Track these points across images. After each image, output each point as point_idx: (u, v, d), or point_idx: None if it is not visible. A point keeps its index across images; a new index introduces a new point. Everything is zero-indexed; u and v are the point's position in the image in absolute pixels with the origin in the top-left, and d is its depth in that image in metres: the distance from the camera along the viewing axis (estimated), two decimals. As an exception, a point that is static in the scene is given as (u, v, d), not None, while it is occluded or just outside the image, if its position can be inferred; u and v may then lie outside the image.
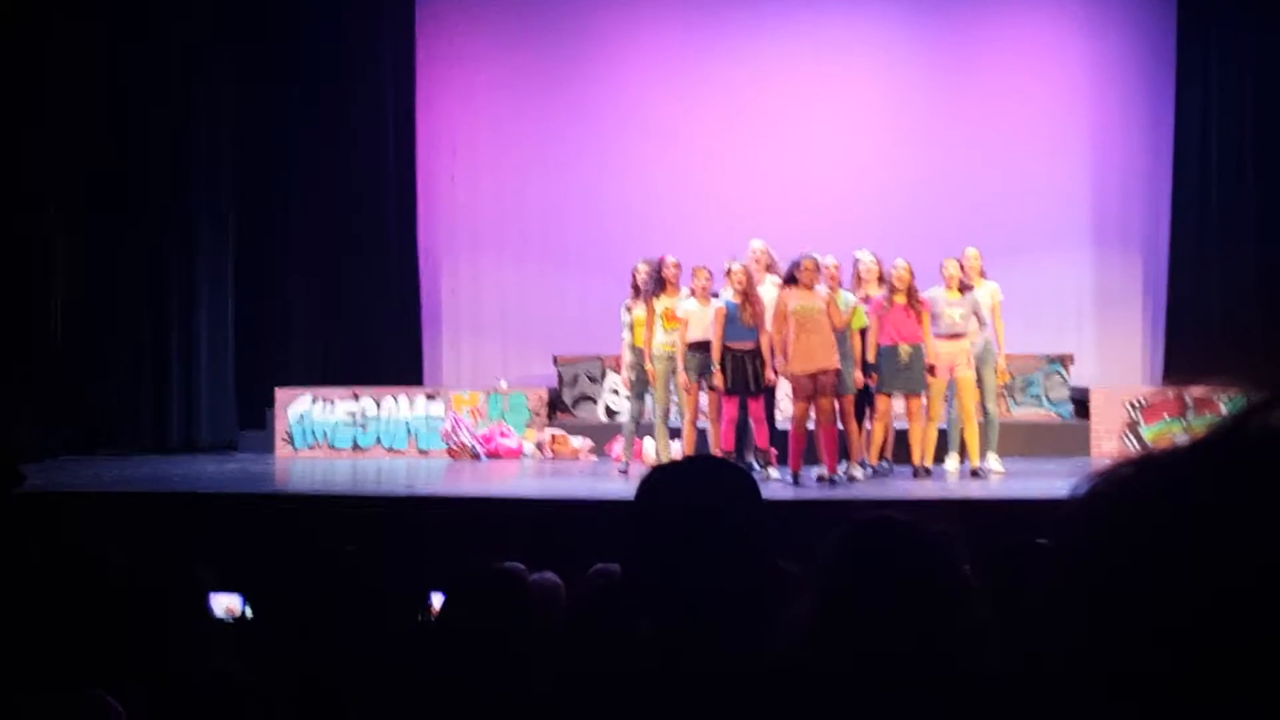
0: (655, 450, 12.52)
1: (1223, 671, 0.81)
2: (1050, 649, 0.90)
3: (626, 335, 12.52)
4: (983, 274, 12.53)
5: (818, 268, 11.55)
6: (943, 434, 12.38)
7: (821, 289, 11.55)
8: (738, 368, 11.65)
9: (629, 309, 12.51)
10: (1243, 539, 0.82)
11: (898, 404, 12.16)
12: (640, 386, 12.52)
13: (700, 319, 11.77)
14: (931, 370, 11.96)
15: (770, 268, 12.53)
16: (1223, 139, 15.81)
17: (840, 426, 11.83)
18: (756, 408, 11.84)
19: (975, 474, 12.06)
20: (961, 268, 12.19)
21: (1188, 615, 0.82)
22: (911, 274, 11.93)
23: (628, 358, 12.55)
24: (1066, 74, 16.59)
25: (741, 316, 11.65)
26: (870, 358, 11.86)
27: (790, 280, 11.54)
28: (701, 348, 11.75)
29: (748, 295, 11.69)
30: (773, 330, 11.55)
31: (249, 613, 5.15)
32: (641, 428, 12.80)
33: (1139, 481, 0.90)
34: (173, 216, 15.41)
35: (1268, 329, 14.39)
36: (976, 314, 12.09)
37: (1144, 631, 0.84)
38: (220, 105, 15.74)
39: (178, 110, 15.39)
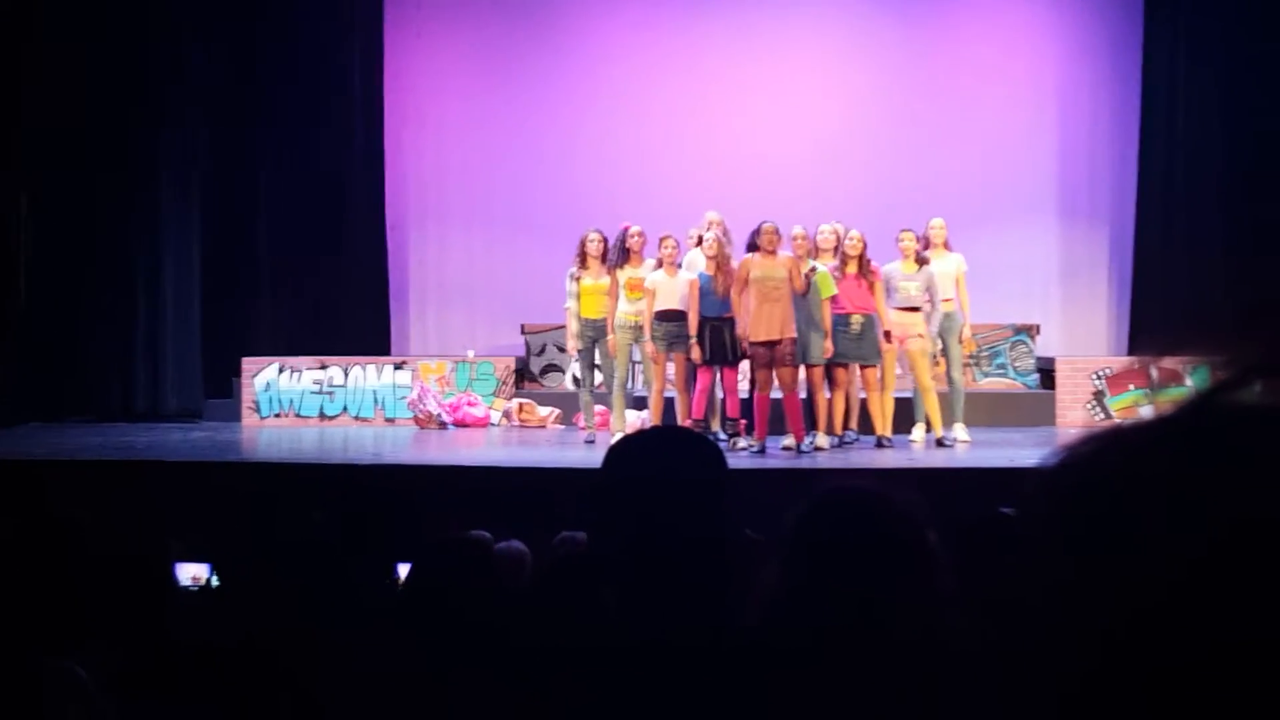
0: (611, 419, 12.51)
1: (1186, 652, 0.81)
2: (1015, 628, 0.90)
3: (572, 304, 12.48)
4: (947, 245, 12.54)
5: (777, 233, 11.52)
6: (909, 403, 12.42)
7: (783, 254, 11.54)
8: (715, 338, 11.64)
9: (575, 278, 12.46)
10: (1211, 516, 0.82)
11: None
12: (589, 356, 12.51)
13: (668, 289, 11.76)
14: (888, 337, 11.97)
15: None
16: (1189, 111, 15.85)
17: (804, 396, 11.86)
18: (730, 377, 11.85)
19: (940, 443, 12.09)
20: (918, 239, 12.21)
21: (1155, 594, 0.83)
22: (864, 244, 11.92)
23: (574, 326, 12.51)
24: (1034, 45, 16.62)
25: (715, 288, 11.63)
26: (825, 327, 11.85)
27: (752, 247, 11.52)
28: (668, 317, 11.74)
29: (720, 266, 11.67)
30: (733, 296, 11.54)
31: (215, 581, 5.14)
32: (599, 396, 12.80)
33: (1106, 457, 0.91)
34: (140, 187, 15.33)
35: (1231, 301, 14.45)
36: (930, 287, 12.10)
37: (1109, 611, 0.84)
38: (188, 76, 15.63)
39: (145, 79, 15.29)
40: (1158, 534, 0.83)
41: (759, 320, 11.35)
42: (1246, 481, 0.82)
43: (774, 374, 11.48)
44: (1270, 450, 0.84)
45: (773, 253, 11.43)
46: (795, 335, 11.43)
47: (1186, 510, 0.83)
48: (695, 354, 11.64)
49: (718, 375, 11.93)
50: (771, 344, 11.36)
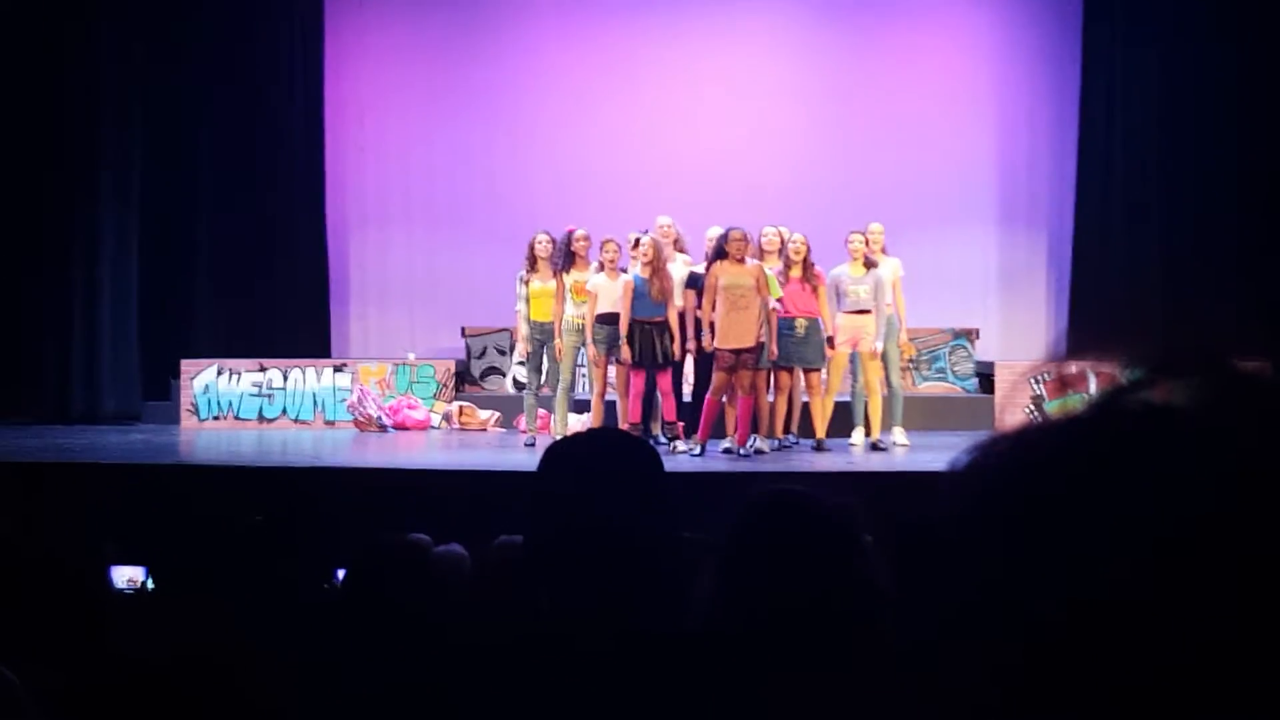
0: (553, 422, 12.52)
1: (1086, 650, 0.82)
2: (951, 627, 0.91)
3: (522, 307, 12.51)
4: (884, 250, 12.58)
5: (746, 240, 11.52)
6: (847, 407, 12.45)
7: (751, 262, 11.53)
8: (645, 341, 11.64)
9: (524, 281, 12.49)
10: (1109, 513, 0.84)
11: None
12: (537, 359, 12.52)
13: (609, 292, 11.75)
14: (830, 342, 11.99)
15: (677, 243, 12.54)
16: (1127, 118, 15.99)
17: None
18: (664, 381, 11.82)
19: (876, 447, 12.13)
20: (867, 243, 12.24)
21: (1055, 592, 0.84)
22: (808, 248, 11.93)
23: (524, 330, 12.53)
24: (974, 50, 16.72)
25: (649, 291, 11.62)
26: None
27: (720, 254, 11.50)
28: (609, 320, 11.74)
29: (656, 269, 11.66)
30: (704, 304, 11.51)
31: (151, 585, 5.11)
32: (544, 399, 12.80)
33: (1013, 456, 0.92)
34: (76, 188, 15.18)
35: (1168, 306, 14.58)
36: (878, 290, 12.13)
37: (1011, 606, 0.85)
38: (126, 72, 15.50)
39: (84, 78, 15.16)
40: (1061, 534, 0.85)
41: (729, 328, 11.32)
42: (1145, 478, 0.84)
43: (735, 379, 11.45)
44: (1165, 448, 0.85)
45: (741, 260, 11.41)
46: (764, 341, 11.44)
47: (1088, 509, 0.84)
48: (625, 354, 11.64)
49: (651, 379, 11.90)
50: (739, 351, 11.34)
